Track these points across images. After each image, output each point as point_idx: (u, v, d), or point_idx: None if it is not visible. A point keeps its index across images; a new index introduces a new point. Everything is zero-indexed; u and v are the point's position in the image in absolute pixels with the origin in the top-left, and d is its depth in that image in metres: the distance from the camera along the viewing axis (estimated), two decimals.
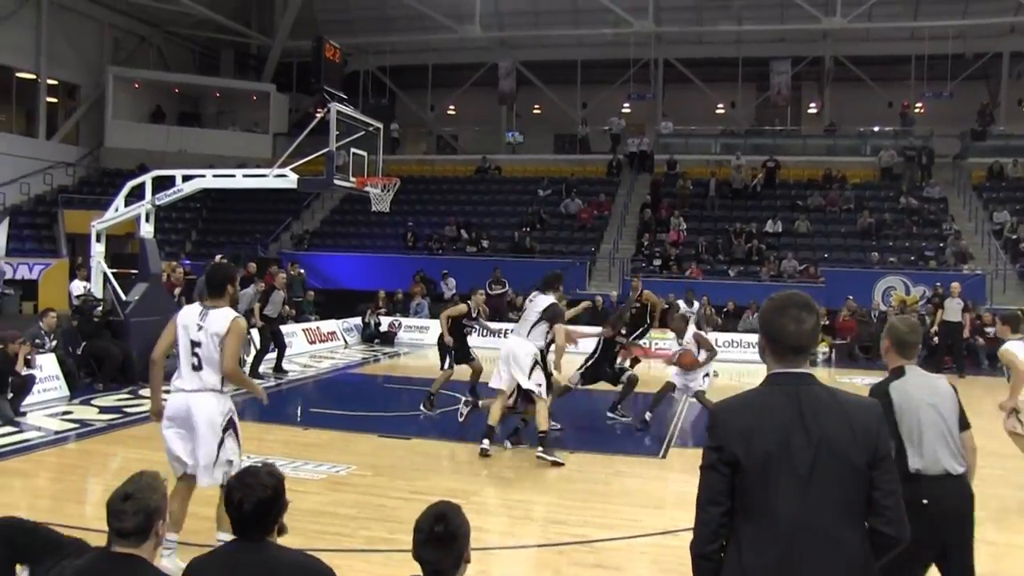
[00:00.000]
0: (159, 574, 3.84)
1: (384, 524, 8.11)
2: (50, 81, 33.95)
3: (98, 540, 7.15)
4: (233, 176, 18.74)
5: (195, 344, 6.83)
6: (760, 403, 3.26)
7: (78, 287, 18.56)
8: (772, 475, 3.12)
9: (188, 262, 24.41)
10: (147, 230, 17.53)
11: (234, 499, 3.64)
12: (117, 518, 3.67)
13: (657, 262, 28.57)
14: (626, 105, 38.01)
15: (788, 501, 3.11)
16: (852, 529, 3.15)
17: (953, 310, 21.37)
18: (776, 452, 3.13)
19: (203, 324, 6.80)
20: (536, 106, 40.51)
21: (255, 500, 3.63)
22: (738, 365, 21.21)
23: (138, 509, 3.68)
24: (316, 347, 22.73)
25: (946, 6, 33.53)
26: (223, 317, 6.83)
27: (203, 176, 17.85)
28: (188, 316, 6.94)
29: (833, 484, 3.11)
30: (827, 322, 23.98)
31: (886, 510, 3.15)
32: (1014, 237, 27.76)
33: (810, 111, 38.84)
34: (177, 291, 20.12)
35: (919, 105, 35.72)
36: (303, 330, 22.86)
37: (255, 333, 17.92)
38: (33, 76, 33.13)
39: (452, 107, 41.38)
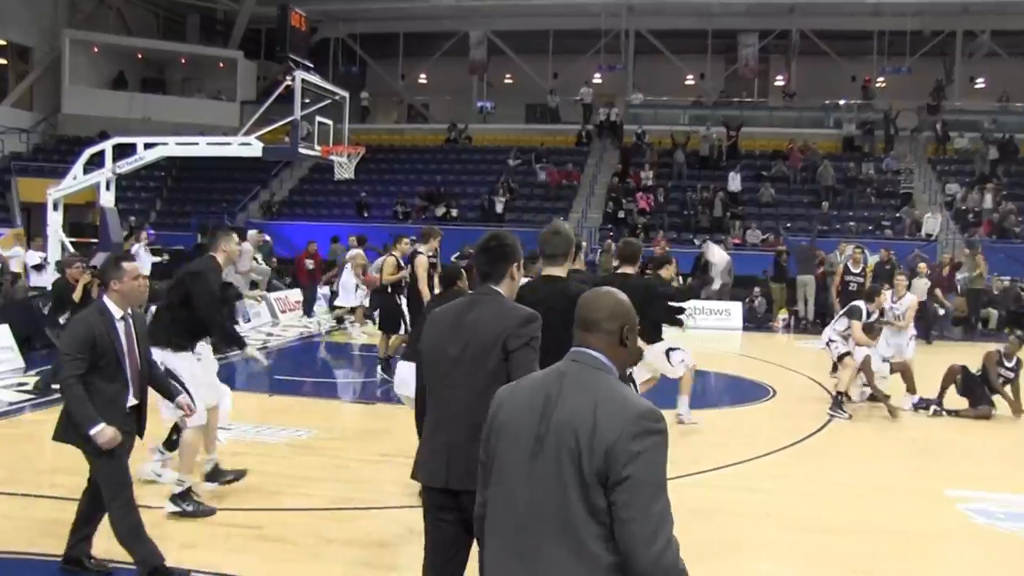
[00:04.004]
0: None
1: (346, 484, 8.19)
2: None
3: (51, 505, 7.20)
4: (196, 144, 18.74)
5: None
6: None
7: (33, 257, 18.29)
8: None
9: (152, 232, 24.15)
10: (108, 199, 17.52)
11: None
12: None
13: (624, 229, 28.63)
14: (597, 76, 37.92)
15: None
16: None
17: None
18: None
19: None
20: (508, 76, 40.36)
21: None
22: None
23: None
24: (284, 316, 22.55)
25: None
26: None
27: (165, 144, 17.84)
28: None
29: None
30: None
31: None
32: (963, 208, 28.98)
33: (777, 83, 39.05)
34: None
35: (881, 79, 36.32)
36: (275, 299, 22.66)
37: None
38: None
39: (423, 76, 41.18)
